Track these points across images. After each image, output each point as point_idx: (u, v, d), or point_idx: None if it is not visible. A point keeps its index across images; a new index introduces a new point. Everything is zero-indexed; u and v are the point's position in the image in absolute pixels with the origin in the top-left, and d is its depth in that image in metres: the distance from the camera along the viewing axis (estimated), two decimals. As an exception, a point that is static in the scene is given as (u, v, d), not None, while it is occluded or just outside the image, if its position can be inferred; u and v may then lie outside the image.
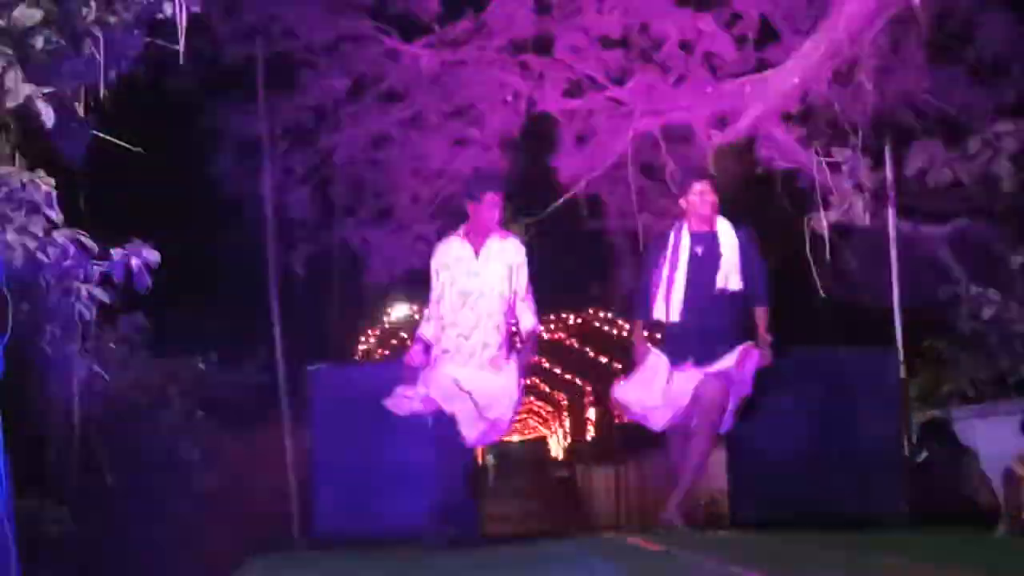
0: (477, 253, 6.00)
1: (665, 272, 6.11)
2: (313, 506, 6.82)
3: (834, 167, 7.33)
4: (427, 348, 6.02)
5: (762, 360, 5.99)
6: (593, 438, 24.41)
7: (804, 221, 7.40)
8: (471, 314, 5.94)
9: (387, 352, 16.54)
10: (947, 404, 8.11)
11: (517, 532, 6.27)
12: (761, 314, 6.10)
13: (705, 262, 6.09)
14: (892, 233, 7.80)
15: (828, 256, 7.51)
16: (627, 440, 19.40)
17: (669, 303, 6.08)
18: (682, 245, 6.12)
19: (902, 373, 7.38)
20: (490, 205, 5.97)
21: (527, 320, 6.09)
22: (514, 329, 6.20)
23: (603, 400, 22.65)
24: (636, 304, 6.35)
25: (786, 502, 6.45)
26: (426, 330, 6.07)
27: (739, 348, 5.94)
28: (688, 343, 6.05)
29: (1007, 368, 7.91)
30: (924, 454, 7.21)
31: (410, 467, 6.59)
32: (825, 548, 4.83)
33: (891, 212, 7.78)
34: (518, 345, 6.16)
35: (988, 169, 7.10)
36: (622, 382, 6.37)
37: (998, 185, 7.34)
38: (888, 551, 4.61)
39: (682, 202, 6.19)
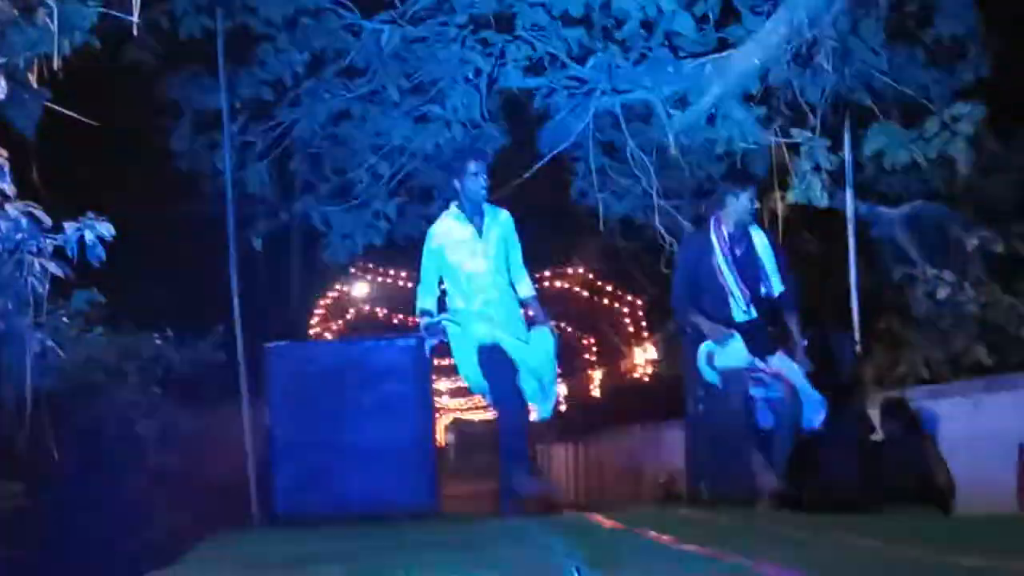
0: (480, 232, 6.00)
1: (726, 276, 6.11)
2: (272, 484, 6.80)
3: (793, 148, 7.37)
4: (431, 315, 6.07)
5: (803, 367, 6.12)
6: (556, 415, 24.47)
7: (763, 201, 7.42)
8: (493, 291, 5.95)
9: (346, 329, 16.49)
10: (902, 384, 8.19)
11: (478, 510, 6.29)
12: (795, 319, 6.23)
13: (745, 262, 6.14)
14: (850, 214, 7.86)
15: (785, 236, 7.54)
16: (586, 418, 19.51)
17: (734, 305, 6.11)
18: (724, 248, 6.15)
19: (859, 353, 7.46)
20: (475, 175, 5.98)
21: (525, 288, 6.17)
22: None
23: (572, 375, 22.76)
24: (681, 301, 6.32)
25: (742, 480, 6.50)
26: (427, 303, 6.09)
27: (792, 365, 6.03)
28: (750, 344, 6.08)
29: (961, 349, 8.00)
30: (881, 434, 7.28)
31: (369, 445, 6.59)
32: (779, 525, 4.87)
33: (849, 193, 7.83)
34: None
35: (945, 151, 7.16)
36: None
37: (954, 167, 7.42)
38: (841, 528, 4.65)
39: (722, 202, 6.22)
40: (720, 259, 6.13)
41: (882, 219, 8.96)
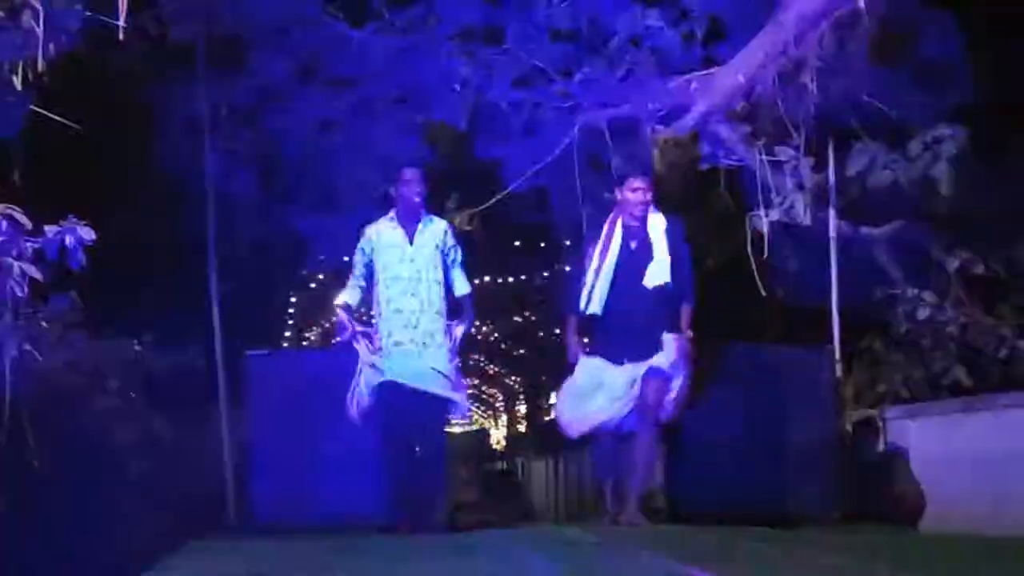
0: (411, 239, 6.07)
1: (594, 265, 6.12)
2: (250, 493, 6.77)
3: (777, 166, 7.39)
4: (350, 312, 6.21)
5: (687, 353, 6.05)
6: (534, 430, 24.48)
7: (746, 219, 7.45)
8: (414, 300, 6.00)
9: (327, 339, 16.44)
10: (881, 403, 8.21)
11: (452, 523, 6.29)
12: (686, 311, 6.14)
13: (637, 256, 6.12)
14: (832, 233, 7.89)
15: (768, 254, 7.56)
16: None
17: (592, 296, 6.10)
18: (615, 238, 6.15)
19: (838, 372, 7.48)
20: (408, 182, 6.05)
21: (461, 286, 6.25)
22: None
23: (539, 393, 22.79)
24: (569, 298, 6.34)
25: (722, 497, 6.51)
26: (350, 297, 6.24)
27: (670, 341, 5.98)
28: (616, 338, 6.07)
29: (940, 370, 8.02)
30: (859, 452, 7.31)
31: (348, 455, 6.57)
32: (757, 542, 4.87)
33: (831, 212, 7.86)
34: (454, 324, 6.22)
35: (927, 172, 7.20)
36: (562, 398, 6.32)
37: (937, 188, 7.45)
38: (816, 547, 4.67)
39: (618, 194, 6.23)
40: (597, 250, 6.13)
41: (864, 239, 8.99)
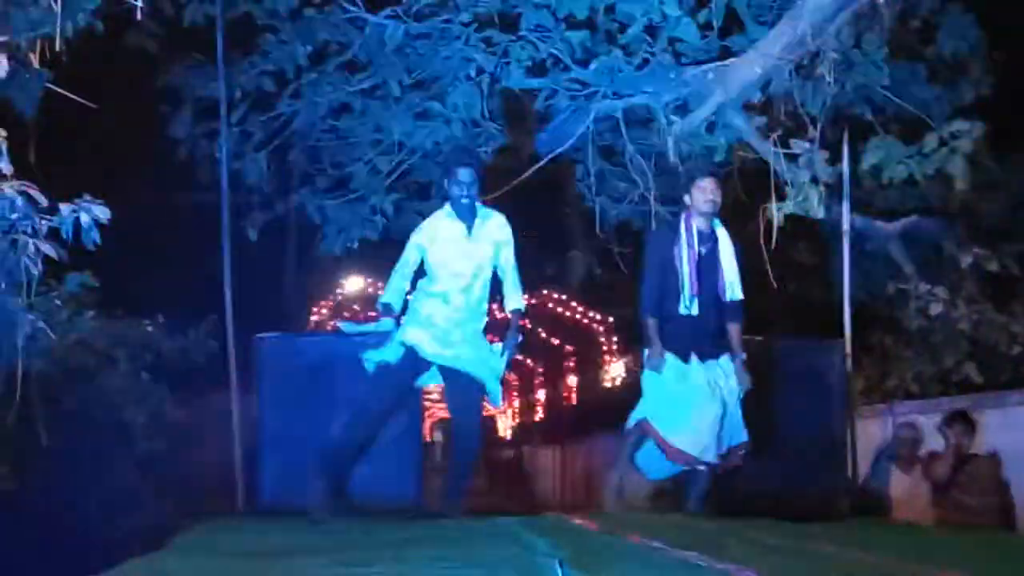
0: (470, 232, 5.95)
1: (682, 268, 6.04)
2: (258, 476, 6.79)
3: (791, 158, 7.36)
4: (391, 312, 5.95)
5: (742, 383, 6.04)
6: (541, 419, 24.49)
7: (759, 211, 7.43)
8: (467, 296, 5.90)
9: (339, 324, 16.44)
10: (891, 398, 8.22)
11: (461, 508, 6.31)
12: (737, 331, 6.13)
13: (708, 262, 6.07)
14: (846, 227, 7.87)
15: (782, 247, 7.54)
16: (574, 422, 19.51)
17: (681, 297, 6.03)
18: (691, 241, 6.08)
19: (849, 366, 7.47)
20: (461, 184, 5.91)
21: (514, 301, 6.02)
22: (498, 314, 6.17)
23: (554, 382, 22.78)
24: (646, 300, 6.14)
25: (733, 489, 6.51)
26: (392, 298, 5.99)
27: (740, 366, 6.01)
28: (687, 343, 6.02)
29: (951, 366, 8.01)
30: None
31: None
32: (766, 535, 4.88)
33: (846, 206, 7.84)
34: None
35: (942, 168, 7.17)
36: (671, 433, 6.02)
37: (952, 184, 7.43)
38: (822, 539, 4.67)
39: (686, 197, 6.16)
40: (684, 250, 6.07)
41: (878, 233, 8.98)
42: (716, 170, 6.88)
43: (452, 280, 5.90)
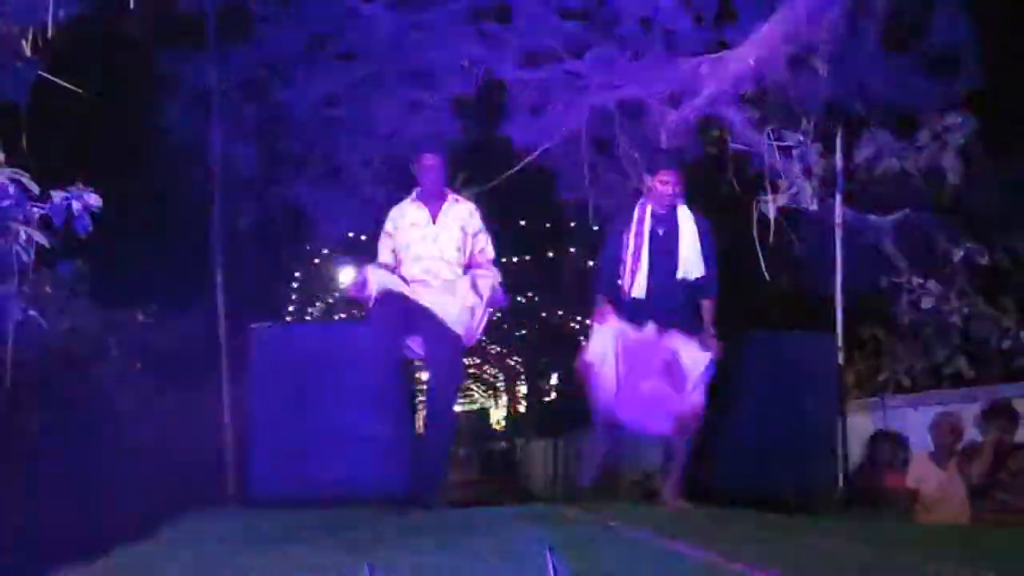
0: (434, 218, 5.99)
1: (630, 249, 6.08)
2: (249, 467, 6.77)
3: (785, 151, 7.37)
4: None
5: (712, 352, 6.04)
6: (531, 411, 24.56)
7: (752, 203, 7.43)
8: (435, 282, 5.93)
9: (330, 313, 16.47)
10: (882, 391, 8.23)
11: (453, 500, 6.29)
12: (708, 306, 6.13)
13: (666, 243, 6.09)
14: (838, 220, 7.87)
15: (774, 239, 7.55)
16: (565, 414, 19.54)
17: (635, 280, 6.05)
18: (646, 223, 6.11)
19: (840, 359, 7.48)
20: (427, 168, 5.99)
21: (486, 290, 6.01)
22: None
23: (542, 374, 22.84)
24: (602, 279, 6.23)
25: (721, 481, 6.52)
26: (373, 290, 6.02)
27: (710, 340, 5.98)
28: (643, 320, 6.04)
29: (943, 360, 8.03)
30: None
31: (347, 430, 6.56)
32: (758, 527, 4.89)
33: (838, 199, 7.84)
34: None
35: (935, 161, 7.18)
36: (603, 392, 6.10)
37: (944, 178, 7.44)
38: (814, 531, 4.68)
39: (647, 183, 6.18)
40: (632, 235, 6.11)
41: (870, 226, 8.98)
42: (675, 161, 6.87)
43: (413, 264, 5.95)
